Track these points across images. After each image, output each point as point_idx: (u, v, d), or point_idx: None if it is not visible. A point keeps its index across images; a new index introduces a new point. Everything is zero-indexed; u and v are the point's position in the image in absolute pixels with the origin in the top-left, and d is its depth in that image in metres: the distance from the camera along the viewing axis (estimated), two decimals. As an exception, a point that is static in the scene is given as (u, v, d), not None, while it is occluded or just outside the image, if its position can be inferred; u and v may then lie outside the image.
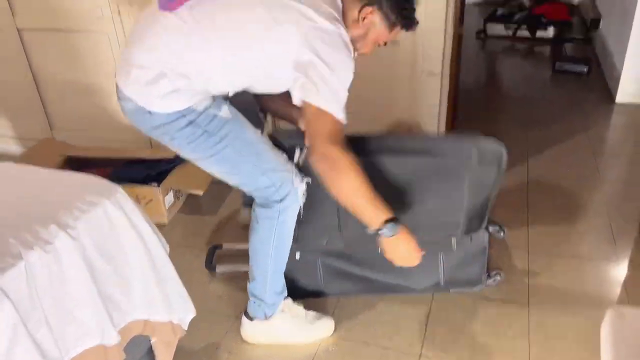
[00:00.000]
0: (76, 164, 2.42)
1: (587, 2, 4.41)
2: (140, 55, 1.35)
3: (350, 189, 1.35)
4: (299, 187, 1.47)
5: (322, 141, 1.33)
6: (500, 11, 4.36)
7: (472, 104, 3.11)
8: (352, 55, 1.37)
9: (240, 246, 1.95)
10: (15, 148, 2.86)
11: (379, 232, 1.37)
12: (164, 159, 2.27)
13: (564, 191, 2.28)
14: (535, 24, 4.16)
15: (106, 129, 2.58)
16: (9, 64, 2.60)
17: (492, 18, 4.30)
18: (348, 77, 1.35)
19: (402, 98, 2.16)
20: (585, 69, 3.51)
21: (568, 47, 4.04)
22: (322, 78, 1.31)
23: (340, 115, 1.34)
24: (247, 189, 1.51)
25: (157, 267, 1.36)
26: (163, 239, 1.42)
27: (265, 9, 1.32)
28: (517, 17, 4.25)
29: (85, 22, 2.38)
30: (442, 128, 2.19)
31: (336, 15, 1.36)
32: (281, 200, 1.46)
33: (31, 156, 2.55)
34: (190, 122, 1.36)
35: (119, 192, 1.29)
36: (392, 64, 2.11)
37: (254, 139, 1.46)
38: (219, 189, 2.15)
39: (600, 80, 3.43)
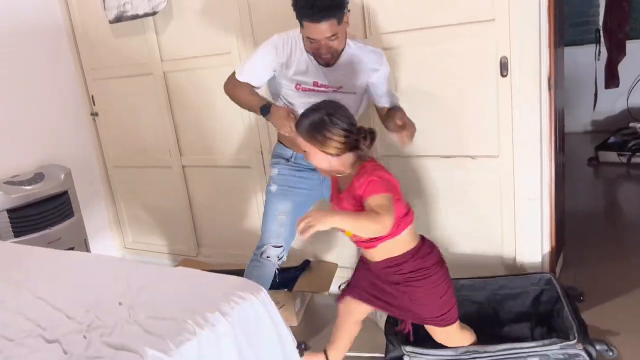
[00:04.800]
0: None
1: None
2: None
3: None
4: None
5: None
6: (612, 139, 4.44)
7: (581, 229, 3.14)
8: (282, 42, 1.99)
9: (351, 353, 2.15)
10: (166, 262, 3.40)
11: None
12: (292, 267, 2.63)
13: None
14: (650, 151, 4.17)
15: (244, 247, 3.02)
16: (172, 193, 3.22)
17: (604, 146, 4.38)
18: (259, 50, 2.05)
19: (505, 222, 2.34)
20: None
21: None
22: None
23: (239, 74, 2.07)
24: None
25: (286, 354, 1.62)
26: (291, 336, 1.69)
27: None
28: (631, 144, 4.29)
29: (232, 160, 2.94)
30: (546, 251, 2.31)
31: None
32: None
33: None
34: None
35: (263, 292, 1.61)
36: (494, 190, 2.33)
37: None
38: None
39: None
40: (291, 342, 1.65)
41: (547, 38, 2.10)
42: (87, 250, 3.14)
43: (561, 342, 1.77)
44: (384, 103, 2.12)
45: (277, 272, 2.18)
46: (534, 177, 2.22)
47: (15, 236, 2.75)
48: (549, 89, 2.15)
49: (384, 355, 1.95)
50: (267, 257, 2.14)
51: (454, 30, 2.20)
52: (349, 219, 1.62)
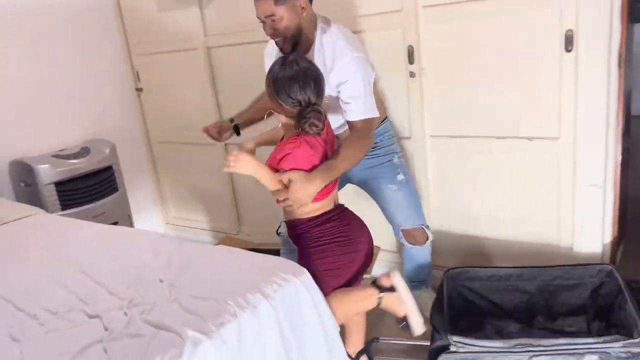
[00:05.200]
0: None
1: None
2: None
3: None
4: None
5: None
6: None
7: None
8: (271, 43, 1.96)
9: (396, 341, 2.11)
10: (207, 239, 3.40)
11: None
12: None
13: None
14: None
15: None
16: (215, 170, 3.18)
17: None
18: None
19: (563, 208, 2.20)
20: None
21: None
22: None
23: None
24: None
25: (328, 341, 1.56)
26: (335, 320, 1.62)
27: None
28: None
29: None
30: (607, 241, 2.16)
31: None
32: None
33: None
34: None
35: (306, 274, 1.55)
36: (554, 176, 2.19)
37: None
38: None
39: None
40: (334, 327, 1.59)
41: (620, 10, 1.92)
42: (131, 225, 3.17)
43: (625, 340, 1.64)
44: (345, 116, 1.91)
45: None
46: (598, 162, 2.06)
47: (62, 209, 2.80)
48: (619, 66, 1.98)
49: (429, 344, 1.87)
50: None
51: (511, 0, 2.05)
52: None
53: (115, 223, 3.03)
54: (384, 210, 2.22)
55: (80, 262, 1.74)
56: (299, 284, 1.49)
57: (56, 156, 2.84)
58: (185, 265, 1.60)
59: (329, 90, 1.84)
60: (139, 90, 3.40)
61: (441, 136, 2.37)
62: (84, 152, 2.93)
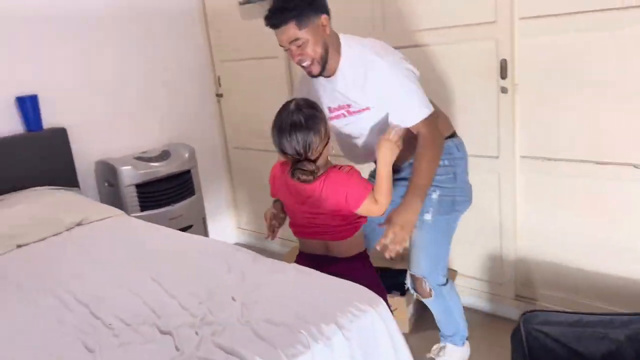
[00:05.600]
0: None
1: None
2: None
3: None
4: None
5: None
6: None
7: None
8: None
9: None
10: (276, 247, 3.38)
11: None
12: (404, 270, 2.40)
13: None
14: None
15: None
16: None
17: None
18: None
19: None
20: None
21: None
22: None
23: None
24: None
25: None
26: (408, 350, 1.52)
27: None
28: None
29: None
30: None
31: None
32: None
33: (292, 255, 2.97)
34: None
35: (382, 304, 1.46)
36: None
37: None
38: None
39: None
40: (406, 353, 1.49)
41: None
42: (205, 228, 3.21)
43: None
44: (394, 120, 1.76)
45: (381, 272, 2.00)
46: None
47: (141, 210, 2.87)
48: None
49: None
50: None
51: (626, 14, 1.85)
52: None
53: (190, 226, 3.08)
54: None
55: (154, 269, 1.74)
56: (375, 314, 1.40)
57: (138, 158, 2.92)
58: (258, 284, 1.55)
59: (366, 102, 1.75)
60: (219, 96, 3.44)
61: (533, 157, 2.20)
62: (164, 155, 3.00)
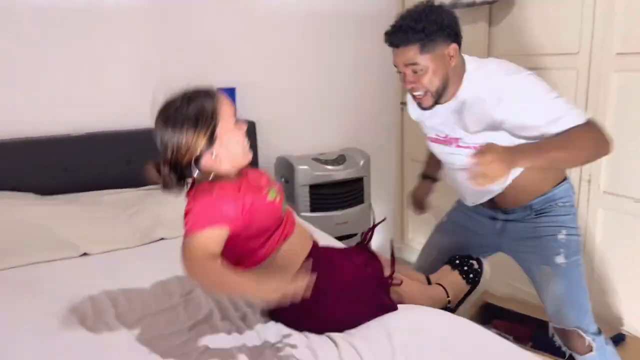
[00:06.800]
0: (493, 311, 2.48)
1: None
2: None
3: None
4: None
5: None
6: None
7: None
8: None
9: None
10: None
11: None
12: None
13: None
14: None
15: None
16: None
17: None
18: None
19: None
20: None
21: None
22: None
23: None
24: None
25: None
26: None
27: None
28: None
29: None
30: None
31: None
32: None
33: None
34: None
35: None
36: None
37: None
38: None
39: None
40: None
41: None
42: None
43: None
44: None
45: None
46: None
47: (312, 211, 2.88)
48: None
49: None
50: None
51: None
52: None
53: (355, 234, 3.01)
54: (538, 294, 1.73)
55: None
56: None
57: (316, 159, 2.93)
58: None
59: (495, 136, 1.48)
60: (403, 104, 3.31)
61: (617, 195, 2.16)
62: (340, 159, 2.97)
